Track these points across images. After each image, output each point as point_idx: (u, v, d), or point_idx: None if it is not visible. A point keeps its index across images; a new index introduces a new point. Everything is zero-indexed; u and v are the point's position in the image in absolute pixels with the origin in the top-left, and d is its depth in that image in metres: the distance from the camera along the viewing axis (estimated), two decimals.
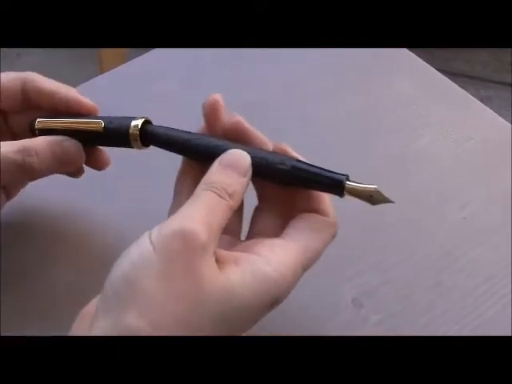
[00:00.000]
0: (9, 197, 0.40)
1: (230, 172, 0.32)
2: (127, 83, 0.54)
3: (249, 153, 0.33)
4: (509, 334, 0.38)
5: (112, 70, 0.56)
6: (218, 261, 0.29)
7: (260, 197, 0.36)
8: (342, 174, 0.33)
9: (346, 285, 0.40)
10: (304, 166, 0.33)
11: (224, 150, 0.33)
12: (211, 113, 0.35)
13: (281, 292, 0.30)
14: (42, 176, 0.39)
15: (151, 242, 0.28)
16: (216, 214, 0.30)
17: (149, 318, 0.27)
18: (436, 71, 0.54)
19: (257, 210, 0.36)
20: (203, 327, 0.28)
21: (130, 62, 0.56)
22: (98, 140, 0.39)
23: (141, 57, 0.56)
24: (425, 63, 0.55)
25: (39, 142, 0.37)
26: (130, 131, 0.36)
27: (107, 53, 1.24)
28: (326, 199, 0.34)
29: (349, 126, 0.50)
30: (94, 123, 0.38)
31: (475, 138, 0.49)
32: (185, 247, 0.28)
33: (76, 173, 0.41)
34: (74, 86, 0.51)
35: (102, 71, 0.58)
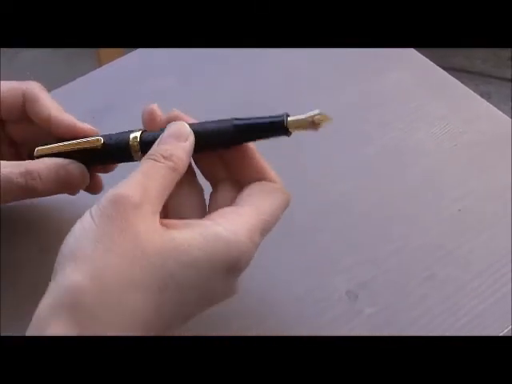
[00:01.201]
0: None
1: (168, 140, 0.33)
2: (123, 77, 0.53)
3: (190, 124, 0.34)
4: (502, 327, 0.38)
5: (108, 64, 0.55)
6: (166, 226, 0.30)
7: (212, 182, 0.36)
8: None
9: (341, 277, 0.40)
10: (244, 121, 0.34)
11: None
12: (149, 118, 0.36)
13: (237, 254, 0.30)
14: (43, 196, 0.39)
15: (90, 215, 0.30)
16: (152, 177, 0.31)
17: (85, 269, 0.28)
18: (435, 66, 0.54)
19: (211, 194, 0.36)
20: (148, 282, 0.28)
21: (127, 55, 0.55)
22: (98, 157, 0.38)
23: (137, 51, 0.56)
24: (424, 58, 0.54)
25: (43, 165, 0.37)
26: (130, 143, 0.36)
27: (105, 49, 1.23)
28: (271, 170, 0.35)
29: (346, 120, 0.49)
30: (93, 140, 0.38)
31: (472, 131, 0.49)
32: (117, 210, 0.29)
33: (73, 192, 0.41)
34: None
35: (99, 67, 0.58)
